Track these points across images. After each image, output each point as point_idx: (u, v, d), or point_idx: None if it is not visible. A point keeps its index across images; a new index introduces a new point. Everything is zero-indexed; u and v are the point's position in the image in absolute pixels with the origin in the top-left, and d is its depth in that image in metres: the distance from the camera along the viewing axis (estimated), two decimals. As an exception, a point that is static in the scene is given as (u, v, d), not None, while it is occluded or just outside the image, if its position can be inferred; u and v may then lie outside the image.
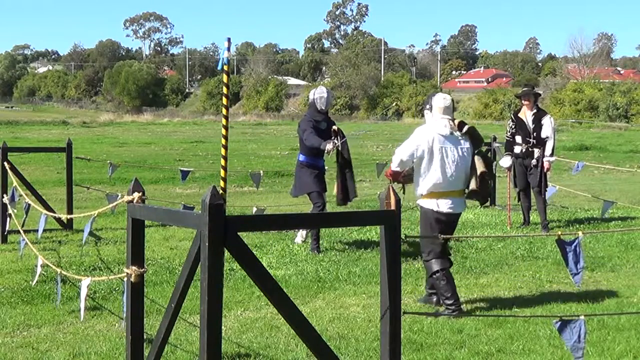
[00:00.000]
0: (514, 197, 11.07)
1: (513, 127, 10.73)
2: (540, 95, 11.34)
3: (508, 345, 5.53)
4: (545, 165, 10.45)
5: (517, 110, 10.99)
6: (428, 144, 6.43)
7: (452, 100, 6.78)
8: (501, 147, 13.25)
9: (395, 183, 6.69)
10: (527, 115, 10.61)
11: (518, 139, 10.63)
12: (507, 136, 10.88)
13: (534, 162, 10.46)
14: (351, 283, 7.46)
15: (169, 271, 7.85)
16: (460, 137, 6.55)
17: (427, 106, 6.66)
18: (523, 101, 10.75)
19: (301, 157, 9.06)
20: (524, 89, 11.11)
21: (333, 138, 8.83)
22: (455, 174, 6.46)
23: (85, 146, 26.94)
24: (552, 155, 10.55)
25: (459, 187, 6.54)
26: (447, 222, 6.53)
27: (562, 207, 12.83)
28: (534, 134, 10.48)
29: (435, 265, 6.43)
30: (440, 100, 6.61)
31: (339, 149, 8.83)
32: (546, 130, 10.46)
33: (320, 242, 9.19)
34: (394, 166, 6.61)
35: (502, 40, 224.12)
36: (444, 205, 6.49)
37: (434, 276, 6.41)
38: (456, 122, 6.58)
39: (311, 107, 9.10)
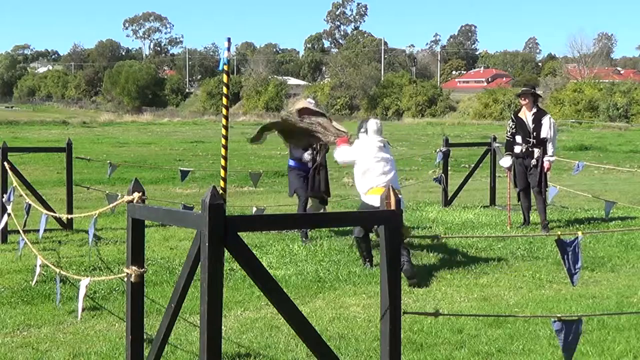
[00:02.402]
0: (514, 197, 11.06)
1: (513, 127, 10.74)
2: (539, 95, 11.33)
3: (508, 345, 5.53)
4: (546, 165, 10.45)
5: (517, 110, 11.00)
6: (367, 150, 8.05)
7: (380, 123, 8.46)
8: (501, 147, 13.25)
9: None
10: (527, 115, 10.61)
11: (518, 138, 10.63)
12: (507, 136, 10.89)
13: (533, 162, 10.46)
14: (351, 283, 7.47)
15: (169, 271, 7.85)
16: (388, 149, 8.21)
17: (362, 129, 8.27)
18: (521, 101, 10.78)
19: (290, 162, 10.15)
20: (522, 89, 11.12)
21: (312, 149, 10.01)
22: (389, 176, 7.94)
23: (85, 146, 26.94)
24: (552, 155, 10.55)
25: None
26: None
27: (562, 207, 12.83)
28: (534, 133, 10.48)
29: (356, 233, 8.22)
30: (373, 124, 8.27)
31: (317, 156, 9.92)
32: (546, 130, 10.46)
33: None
34: (339, 158, 8.35)
35: (502, 40, 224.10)
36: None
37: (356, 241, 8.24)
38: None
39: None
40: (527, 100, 10.62)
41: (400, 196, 7.74)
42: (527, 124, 10.56)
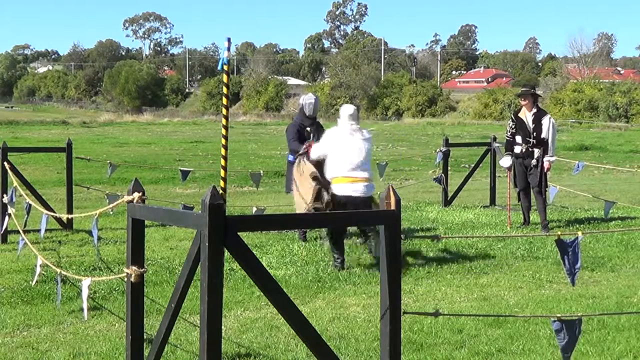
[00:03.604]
0: (514, 197, 11.06)
1: (513, 127, 10.74)
2: (539, 96, 11.33)
3: (508, 345, 5.53)
4: (546, 165, 10.45)
5: (517, 110, 11.00)
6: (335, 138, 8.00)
7: (355, 108, 8.38)
8: (501, 147, 13.25)
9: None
10: (527, 115, 10.61)
11: (518, 139, 10.63)
12: (507, 136, 10.89)
13: (534, 162, 10.46)
14: (351, 283, 7.46)
15: (169, 271, 7.85)
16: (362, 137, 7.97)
17: (338, 115, 8.23)
18: (521, 101, 10.78)
19: (289, 157, 9.94)
20: (522, 89, 11.13)
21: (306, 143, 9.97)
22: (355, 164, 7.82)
23: (85, 146, 26.94)
24: (552, 155, 10.55)
25: (359, 175, 7.82)
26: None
27: (562, 207, 12.83)
28: (534, 134, 10.48)
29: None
30: (346, 109, 8.19)
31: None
32: (546, 130, 10.46)
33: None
34: (314, 156, 8.19)
35: (502, 40, 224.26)
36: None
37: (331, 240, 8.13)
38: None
39: (300, 111, 9.96)
40: (526, 101, 10.63)
41: (372, 183, 7.95)
42: (527, 124, 10.56)
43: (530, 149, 10.50)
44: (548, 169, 10.57)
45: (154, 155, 24.97)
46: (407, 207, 12.42)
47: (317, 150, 8.18)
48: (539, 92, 11.44)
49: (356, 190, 7.81)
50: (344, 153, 7.85)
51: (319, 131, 9.62)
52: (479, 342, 5.59)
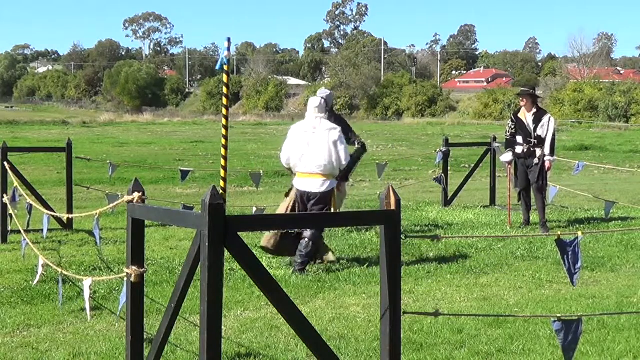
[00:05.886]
0: (514, 196, 11.06)
1: (512, 127, 10.73)
2: (538, 97, 11.32)
3: (508, 345, 5.53)
4: (547, 164, 10.45)
5: (517, 110, 10.99)
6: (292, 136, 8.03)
7: (322, 100, 8.30)
8: (501, 146, 13.24)
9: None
10: (526, 115, 10.61)
11: (519, 139, 10.61)
12: (506, 136, 10.88)
13: (536, 161, 10.45)
14: (351, 283, 7.46)
15: (169, 271, 7.85)
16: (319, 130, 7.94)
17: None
18: (520, 102, 10.78)
19: None
20: (521, 89, 11.12)
21: None
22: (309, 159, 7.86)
23: (85, 146, 26.93)
24: (552, 154, 10.54)
25: (313, 170, 7.89)
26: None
27: (562, 207, 12.83)
28: (535, 134, 10.47)
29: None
30: (312, 101, 8.20)
31: None
32: (546, 130, 10.46)
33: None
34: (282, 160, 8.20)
35: (502, 40, 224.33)
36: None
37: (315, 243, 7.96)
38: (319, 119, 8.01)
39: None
40: (525, 101, 10.62)
41: (331, 180, 7.94)
42: (527, 124, 10.55)
43: (532, 149, 10.50)
44: (549, 169, 10.57)
45: (154, 155, 24.97)
46: (407, 207, 12.42)
47: (282, 154, 8.16)
48: (538, 92, 11.42)
49: (312, 185, 7.90)
50: (302, 148, 7.90)
51: (338, 124, 9.79)
52: (479, 342, 5.59)
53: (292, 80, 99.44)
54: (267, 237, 8.14)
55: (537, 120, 10.50)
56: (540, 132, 10.45)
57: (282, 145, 8.20)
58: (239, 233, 3.34)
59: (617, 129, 49.54)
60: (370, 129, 44.95)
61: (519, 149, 10.61)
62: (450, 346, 5.50)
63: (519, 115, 10.70)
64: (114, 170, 11.60)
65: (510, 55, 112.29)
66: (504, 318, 6.06)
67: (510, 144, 10.76)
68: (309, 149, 7.90)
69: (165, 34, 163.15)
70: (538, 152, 10.46)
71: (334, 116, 10.20)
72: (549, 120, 10.55)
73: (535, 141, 10.46)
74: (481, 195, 14.03)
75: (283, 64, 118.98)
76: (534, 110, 10.59)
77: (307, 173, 7.94)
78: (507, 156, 10.79)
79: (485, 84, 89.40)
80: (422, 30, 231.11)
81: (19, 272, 7.84)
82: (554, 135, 10.58)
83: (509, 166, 10.99)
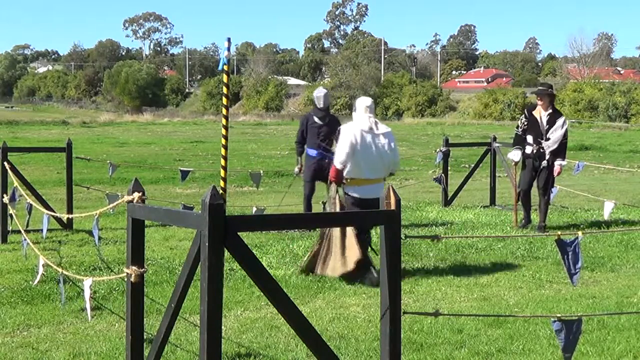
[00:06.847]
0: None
1: (525, 123, 10.51)
2: (555, 96, 11.15)
3: (508, 345, 5.53)
4: (557, 169, 10.30)
5: (532, 107, 10.73)
6: (355, 137, 7.50)
7: (373, 101, 7.95)
8: (501, 146, 13.24)
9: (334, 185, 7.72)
10: (541, 114, 10.41)
11: (529, 138, 10.46)
12: (517, 131, 10.66)
13: (544, 163, 10.35)
14: (351, 283, 7.46)
15: (169, 271, 7.84)
16: (379, 133, 7.59)
17: (354, 108, 7.79)
18: (538, 101, 10.57)
19: (307, 150, 10.54)
20: (539, 88, 10.88)
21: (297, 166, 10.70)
22: (373, 164, 7.52)
23: (85, 146, 26.93)
24: (563, 158, 10.42)
25: (378, 175, 7.62)
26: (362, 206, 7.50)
27: (562, 207, 12.83)
28: (547, 135, 10.35)
29: None
30: (363, 101, 7.79)
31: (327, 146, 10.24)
32: (559, 133, 10.32)
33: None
34: (339, 165, 7.58)
35: (502, 40, 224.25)
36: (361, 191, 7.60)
37: None
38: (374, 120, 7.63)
39: (313, 104, 10.70)
40: (543, 101, 10.47)
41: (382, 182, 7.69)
42: (540, 123, 10.37)
43: (541, 150, 10.39)
44: (559, 173, 10.42)
45: (154, 155, 24.96)
46: (407, 207, 12.42)
47: (340, 156, 7.54)
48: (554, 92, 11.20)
49: (373, 192, 7.46)
50: (363, 154, 7.46)
51: (331, 124, 10.18)
52: (479, 342, 5.59)
53: (292, 80, 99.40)
54: (319, 264, 7.58)
55: (551, 121, 10.33)
56: (551, 135, 10.33)
57: (340, 147, 7.53)
58: (239, 233, 3.34)
59: (617, 129, 49.52)
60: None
61: (528, 149, 10.47)
62: (450, 346, 5.50)
63: (534, 112, 10.52)
64: (114, 170, 11.59)
65: (510, 55, 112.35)
66: (504, 318, 6.06)
67: (519, 141, 10.58)
68: (375, 153, 7.50)
69: (165, 34, 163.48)
70: (547, 154, 10.31)
71: (329, 116, 10.56)
72: (563, 123, 10.41)
73: (546, 142, 10.32)
74: (481, 195, 14.03)
75: (283, 64, 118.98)
76: (550, 110, 10.46)
77: (372, 180, 7.56)
78: (516, 155, 10.59)
79: (485, 84, 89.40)
80: (422, 30, 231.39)
81: (19, 272, 7.83)
82: (565, 138, 10.46)
83: (515, 165, 10.93)
